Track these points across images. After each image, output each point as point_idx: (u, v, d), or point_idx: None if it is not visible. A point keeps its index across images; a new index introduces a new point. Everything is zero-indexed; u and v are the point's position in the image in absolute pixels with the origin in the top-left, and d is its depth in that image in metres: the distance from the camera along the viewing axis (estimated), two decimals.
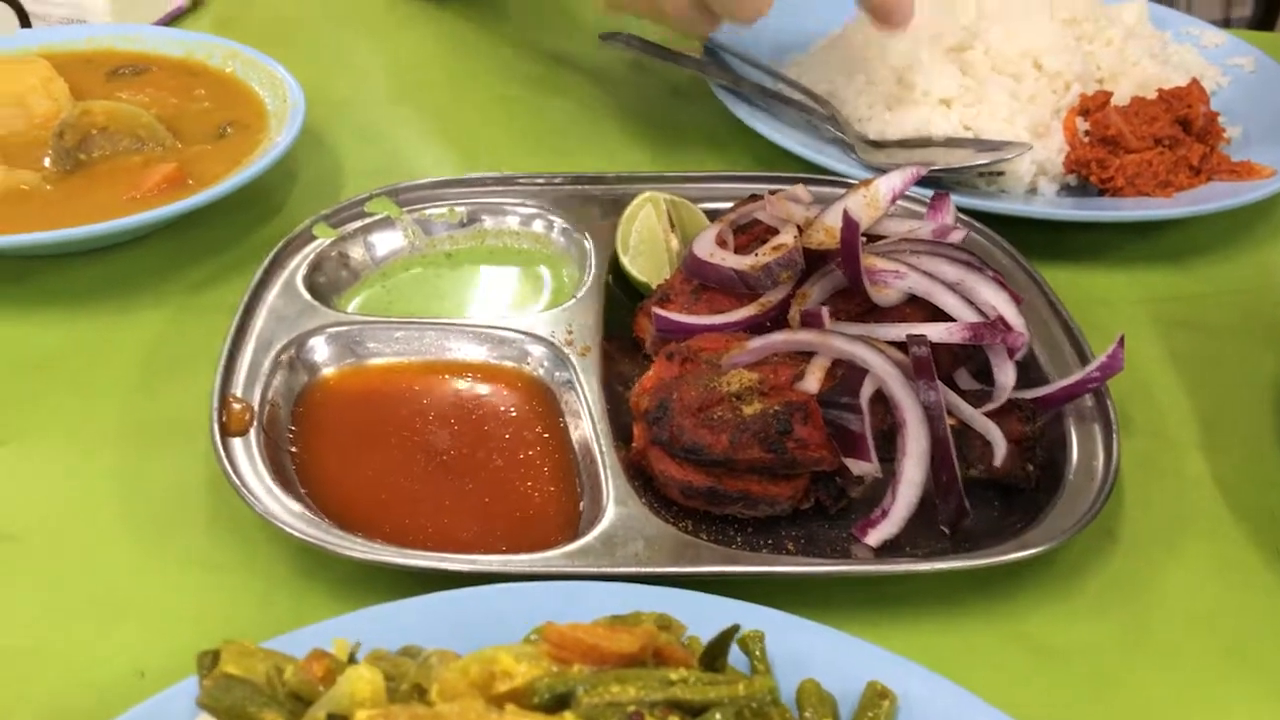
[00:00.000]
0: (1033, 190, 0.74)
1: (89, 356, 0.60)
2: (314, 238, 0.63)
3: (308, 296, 0.60)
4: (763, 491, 0.51)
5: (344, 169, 0.75)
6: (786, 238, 0.57)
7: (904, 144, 0.74)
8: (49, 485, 0.54)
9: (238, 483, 0.49)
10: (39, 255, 0.64)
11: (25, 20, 0.81)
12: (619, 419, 0.55)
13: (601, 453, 0.53)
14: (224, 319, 0.61)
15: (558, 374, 0.58)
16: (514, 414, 0.57)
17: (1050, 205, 0.72)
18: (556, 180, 0.68)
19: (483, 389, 0.58)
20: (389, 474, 0.53)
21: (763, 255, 0.57)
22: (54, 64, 0.73)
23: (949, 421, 0.51)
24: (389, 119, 0.83)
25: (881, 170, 0.64)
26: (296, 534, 0.48)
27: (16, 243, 0.60)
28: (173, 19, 0.90)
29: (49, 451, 0.56)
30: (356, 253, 0.64)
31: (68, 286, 0.64)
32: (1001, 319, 0.55)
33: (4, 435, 0.55)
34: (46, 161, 0.66)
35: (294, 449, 0.54)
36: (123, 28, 0.79)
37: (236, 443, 0.52)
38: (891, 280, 0.55)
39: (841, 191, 0.62)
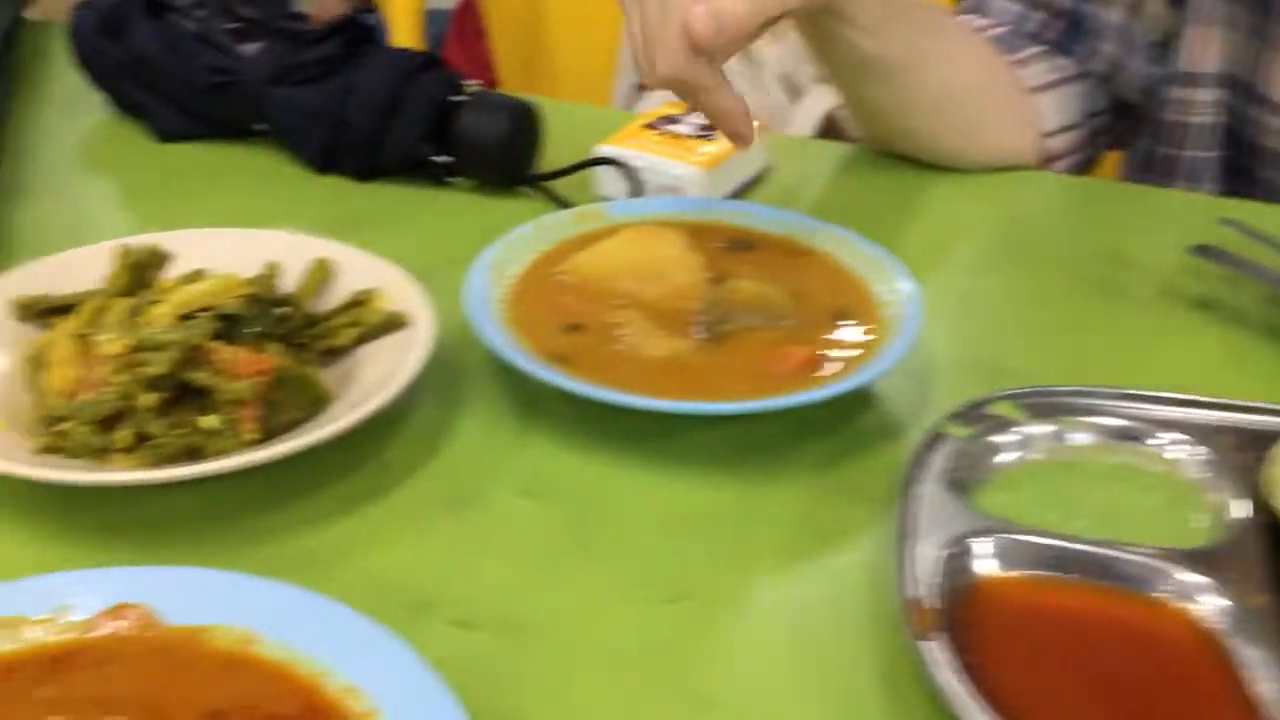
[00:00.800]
0: None
1: (736, 520, 0.65)
2: (945, 434, 0.66)
3: (951, 494, 0.63)
4: None
5: (948, 358, 0.77)
6: None
7: None
8: (729, 648, 0.58)
9: (948, 690, 0.51)
10: (690, 416, 0.70)
11: (638, 189, 0.90)
12: None
13: None
14: (853, 504, 0.65)
15: (1225, 622, 0.57)
16: (1184, 664, 0.56)
17: None
18: (1202, 404, 0.67)
19: (1141, 624, 0.57)
20: (1059, 700, 0.54)
21: None
22: None
23: None
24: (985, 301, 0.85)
25: None
26: None
27: (677, 408, 0.67)
28: (743, 190, 0.97)
29: (723, 612, 0.60)
30: (987, 452, 0.66)
31: (708, 446, 0.70)
32: None
33: (677, 592, 0.60)
34: (694, 331, 0.72)
35: (968, 659, 0.55)
36: (731, 204, 0.86)
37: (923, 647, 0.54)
38: None
39: None
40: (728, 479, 0.67)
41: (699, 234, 0.81)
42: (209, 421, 0.65)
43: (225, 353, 0.66)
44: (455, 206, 0.98)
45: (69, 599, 0.52)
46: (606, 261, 0.78)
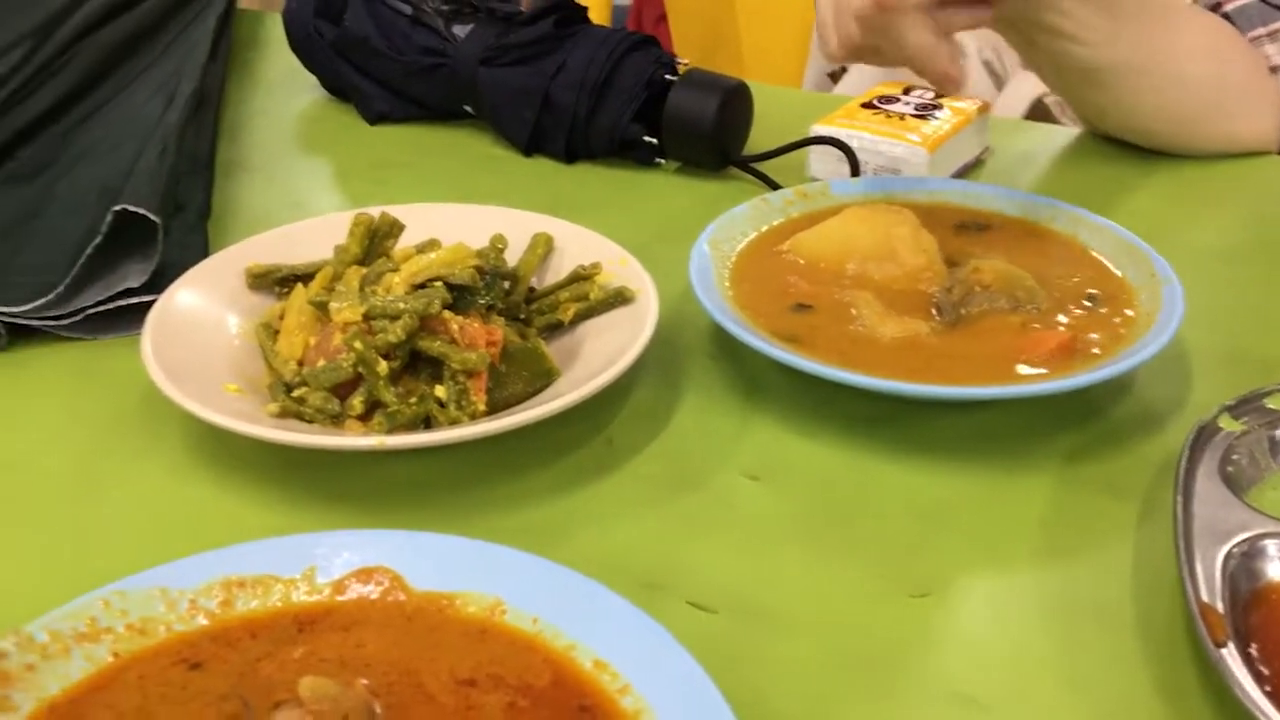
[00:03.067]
0: None
1: (982, 511, 0.62)
2: (1218, 427, 0.61)
3: (1229, 491, 0.58)
4: None
5: (1204, 347, 0.72)
6: None
7: None
8: (987, 646, 0.55)
9: (1248, 703, 0.47)
10: (931, 401, 0.66)
11: (855, 169, 0.87)
12: None
13: None
14: (1110, 498, 0.60)
15: None
16: None
17: None
18: None
19: None
20: None
21: None
22: None
23: None
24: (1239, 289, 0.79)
25: None
26: None
27: (923, 392, 0.63)
28: (963, 172, 0.93)
29: (976, 608, 0.57)
30: (1264, 447, 0.61)
31: (949, 434, 0.66)
32: None
33: (929, 586, 0.57)
34: (932, 313, 0.69)
35: (1258, 669, 0.50)
36: (960, 184, 0.82)
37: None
38: None
39: None
40: (971, 468, 0.63)
41: (928, 214, 0.77)
42: (440, 391, 0.64)
43: (456, 323, 0.65)
44: (662, 188, 0.96)
45: (317, 560, 0.51)
46: (834, 241, 0.74)
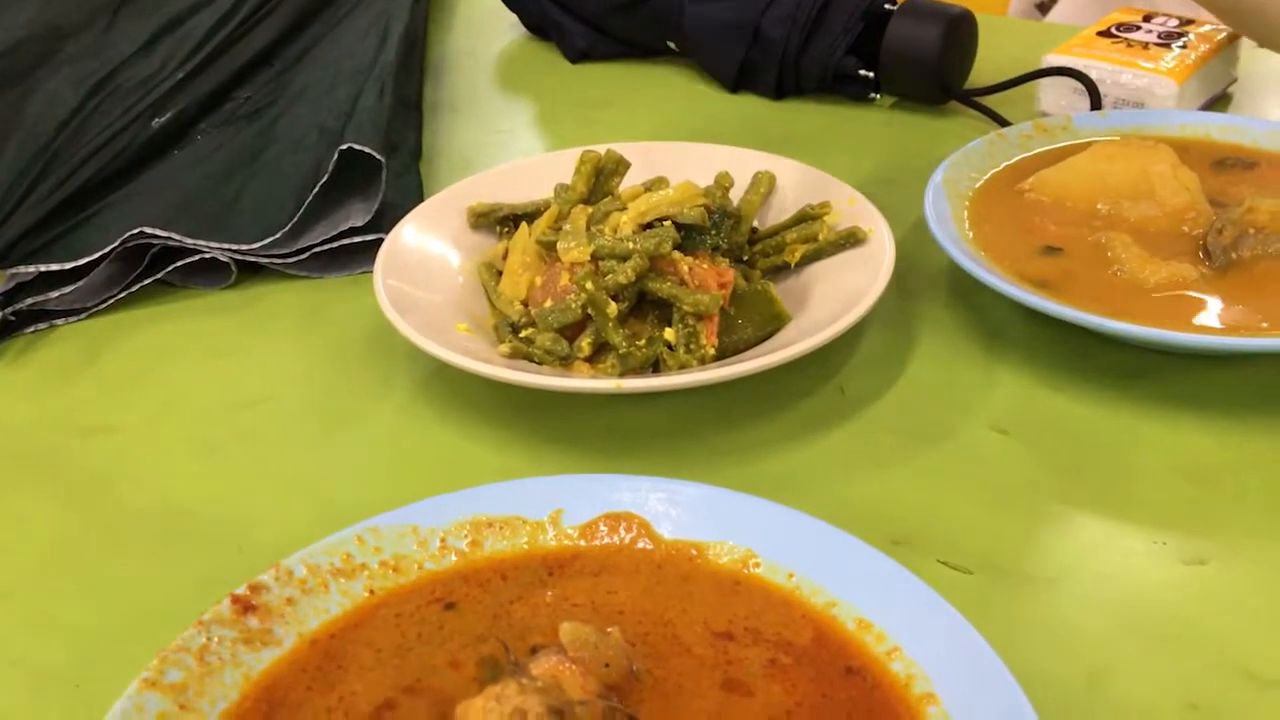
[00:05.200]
0: None
1: (1261, 473, 0.56)
2: None
3: None
4: None
5: None
6: None
7: None
8: (1273, 617, 0.50)
9: None
10: (1199, 353, 0.61)
11: (1096, 101, 0.81)
12: None
13: None
14: None
15: None
16: None
17: None
18: None
19: None
20: None
21: None
22: None
23: None
24: None
25: None
26: None
27: (1192, 342, 0.58)
28: (1211, 105, 0.86)
29: (1263, 579, 0.52)
30: None
31: (1218, 388, 0.60)
32: None
33: (1201, 553, 0.53)
34: (1200, 257, 0.63)
35: None
36: (1220, 116, 0.76)
37: None
38: None
39: None
40: (1250, 428, 0.58)
41: (1184, 150, 0.71)
42: (669, 334, 0.63)
43: (686, 264, 0.63)
44: (877, 125, 0.91)
45: (564, 503, 0.51)
46: (1083, 179, 0.69)
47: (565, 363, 0.63)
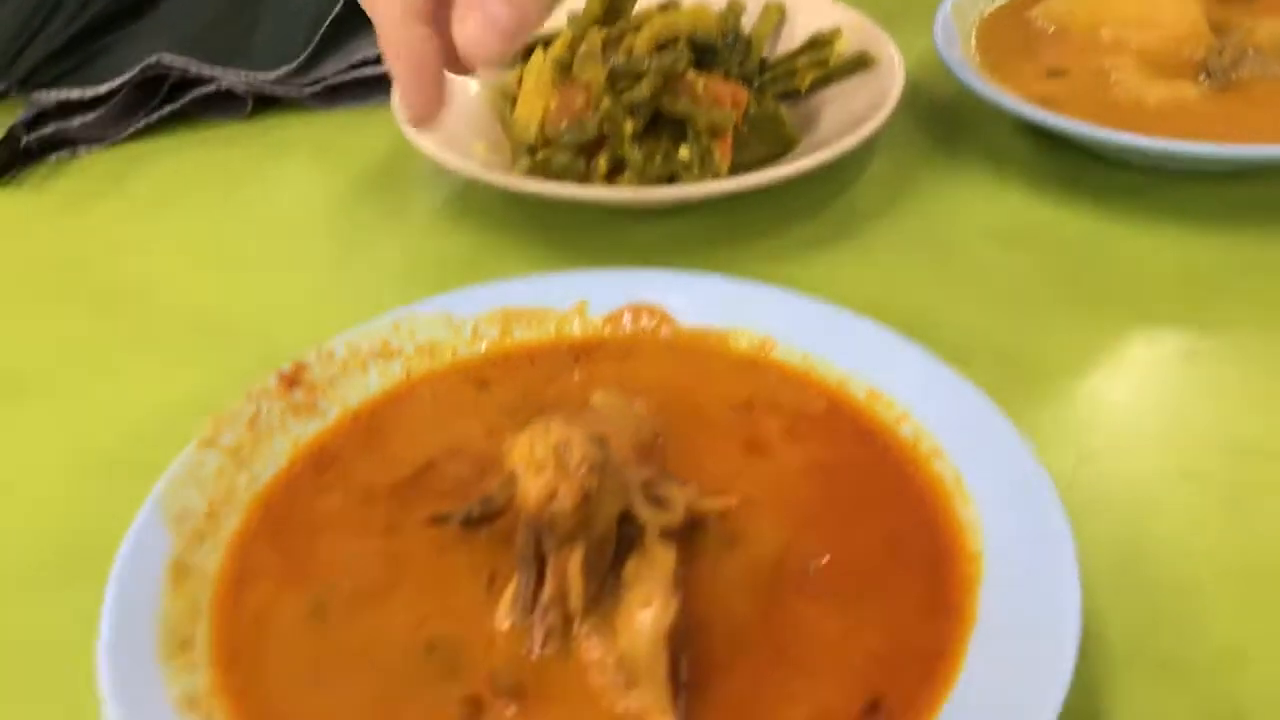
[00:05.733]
0: None
1: (1256, 278, 0.59)
2: None
3: None
4: None
5: None
6: None
7: None
8: (1266, 398, 0.52)
9: None
10: (1192, 169, 0.63)
11: None
12: None
13: None
14: None
15: None
16: None
17: None
18: None
19: None
20: None
21: None
22: None
23: None
24: None
25: None
26: None
27: (1190, 151, 0.60)
28: None
29: (1248, 366, 0.54)
30: None
31: (1212, 202, 0.63)
32: None
33: (1195, 349, 0.55)
34: (1200, 78, 0.65)
35: None
36: None
37: None
38: None
39: None
40: (1238, 236, 0.60)
41: None
42: (684, 152, 0.64)
43: (701, 82, 0.65)
44: None
45: (588, 295, 0.53)
46: (1088, 6, 0.70)
47: (582, 181, 0.65)
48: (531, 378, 0.50)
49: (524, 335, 0.52)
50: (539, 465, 0.37)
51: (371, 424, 0.48)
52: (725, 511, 0.43)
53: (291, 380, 0.48)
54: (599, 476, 0.38)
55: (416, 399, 0.49)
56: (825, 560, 0.41)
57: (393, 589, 0.42)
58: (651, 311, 0.52)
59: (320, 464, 0.46)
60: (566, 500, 0.37)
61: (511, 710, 0.37)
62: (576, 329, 0.52)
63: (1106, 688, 0.41)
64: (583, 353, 0.51)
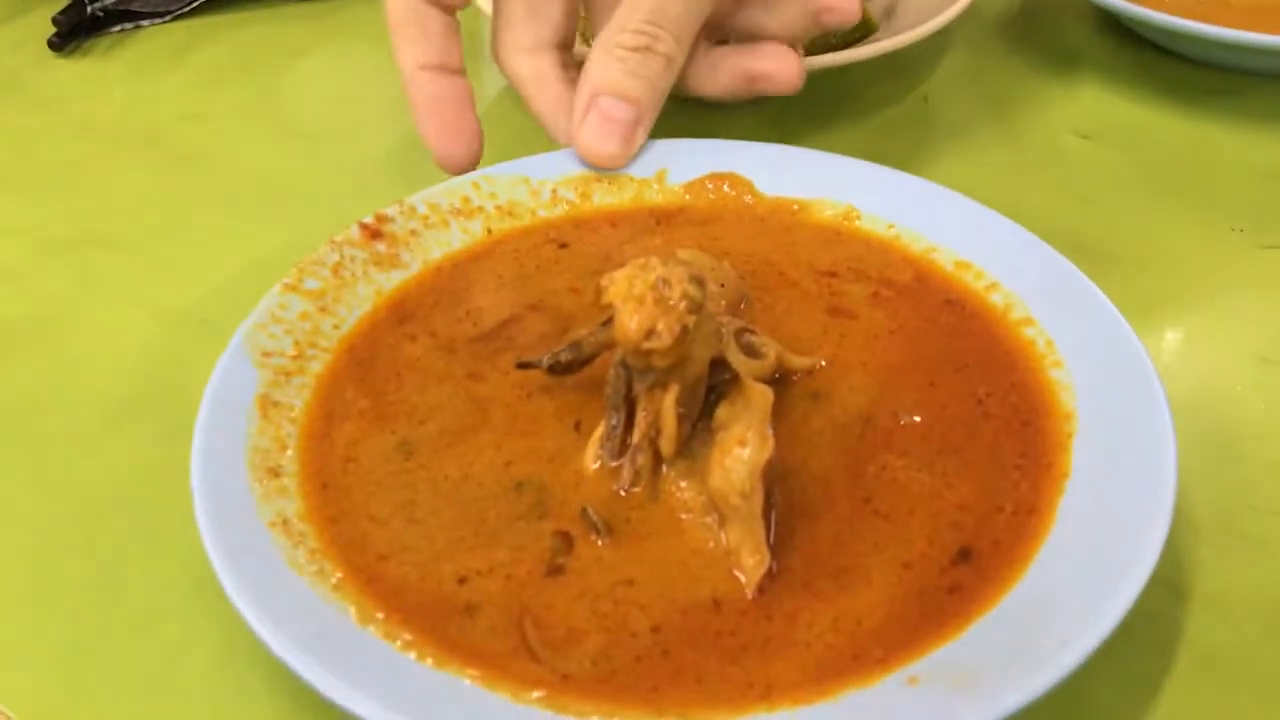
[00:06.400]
0: None
1: None
2: None
3: None
4: None
5: None
6: None
7: None
8: None
9: None
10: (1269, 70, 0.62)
11: None
12: None
13: None
14: None
15: None
16: None
17: None
18: None
19: None
20: None
21: None
22: None
23: None
24: None
25: None
26: None
27: (1265, 44, 0.59)
28: None
29: None
30: None
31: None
32: None
33: (1276, 240, 0.55)
34: None
35: None
36: None
37: None
38: None
39: None
40: None
41: None
42: None
43: None
44: None
45: (669, 163, 0.52)
46: None
47: None
48: (612, 239, 0.50)
49: (603, 200, 0.51)
50: (638, 300, 0.37)
51: (454, 276, 0.48)
52: (813, 370, 0.43)
53: (374, 231, 0.48)
54: (697, 315, 0.37)
55: (499, 256, 0.49)
56: (916, 419, 0.41)
57: (478, 430, 0.41)
58: (733, 180, 0.52)
59: (402, 314, 0.46)
60: (665, 336, 0.37)
61: (602, 544, 0.37)
62: (657, 195, 0.52)
63: (1191, 560, 0.41)
64: (664, 217, 0.51)
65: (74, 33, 0.71)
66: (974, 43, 0.68)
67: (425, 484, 0.40)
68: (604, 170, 0.51)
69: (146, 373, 0.49)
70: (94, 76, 0.70)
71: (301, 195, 0.60)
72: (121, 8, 0.73)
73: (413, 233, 0.49)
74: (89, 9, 0.72)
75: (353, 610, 0.35)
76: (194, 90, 0.69)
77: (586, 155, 0.51)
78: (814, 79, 0.60)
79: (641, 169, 0.52)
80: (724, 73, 0.54)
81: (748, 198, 0.51)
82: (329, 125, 0.66)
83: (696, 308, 0.37)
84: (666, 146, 0.53)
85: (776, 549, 0.37)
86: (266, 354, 0.43)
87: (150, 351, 0.51)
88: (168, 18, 0.74)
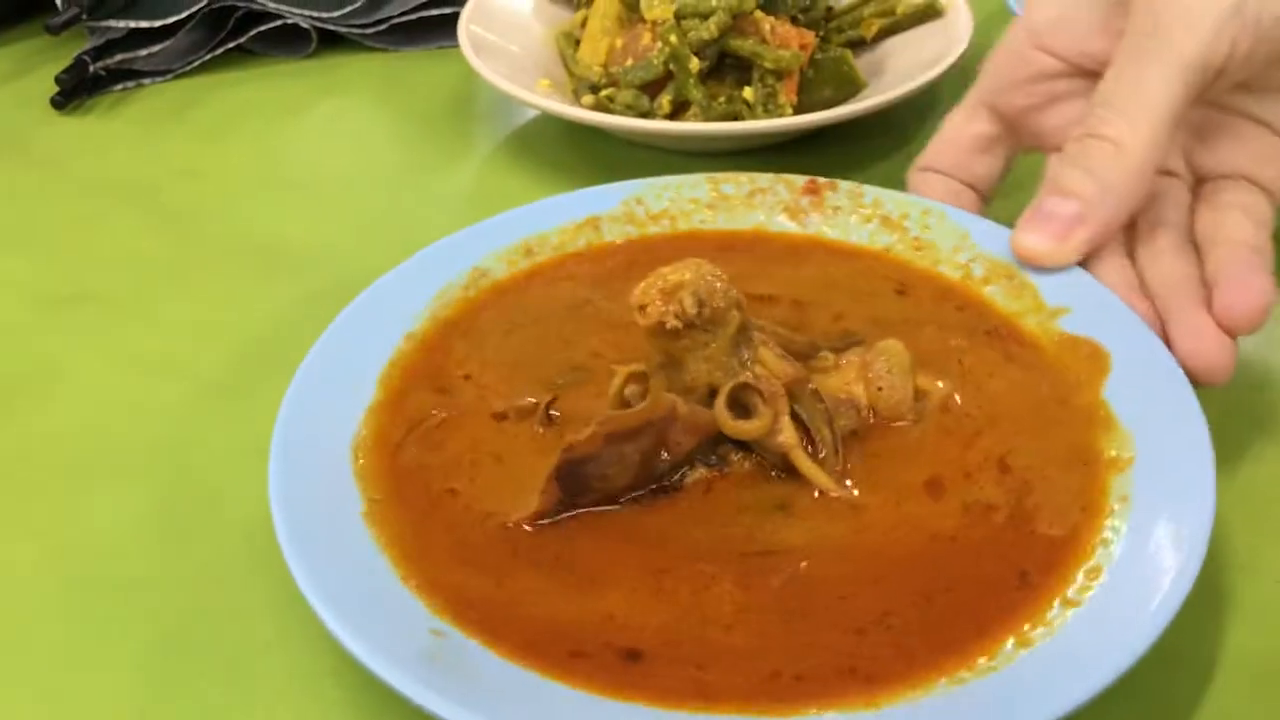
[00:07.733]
0: None
1: None
2: None
3: None
4: None
5: None
6: None
7: None
8: None
9: None
10: None
11: None
12: None
13: None
14: None
15: None
16: None
17: None
18: None
19: None
20: None
21: None
22: None
23: None
24: None
25: None
26: None
27: None
28: None
29: None
30: None
31: None
32: None
33: None
34: None
35: None
36: None
37: None
38: None
39: None
40: None
41: None
42: (749, 93, 0.64)
43: (768, 23, 0.65)
44: None
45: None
46: None
47: (646, 119, 0.65)
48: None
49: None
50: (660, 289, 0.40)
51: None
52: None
53: None
54: (680, 321, 0.40)
55: None
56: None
57: None
58: None
59: None
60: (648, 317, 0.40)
61: None
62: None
63: None
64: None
65: (76, 91, 0.73)
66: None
67: None
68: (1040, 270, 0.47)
69: (142, 428, 0.50)
70: (95, 134, 0.71)
71: (299, 251, 0.60)
72: (124, 67, 0.74)
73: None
74: (91, 68, 0.73)
75: None
76: (194, 147, 0.70)
77: (1015, 251, 0.48)
78: (803, 138, 0.61)
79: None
80: None
81: None
82: (327, 181, 0.66)
83: (685, 317, 0.40)
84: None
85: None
86: None
87: (145, 406, 0.51)
88: (169, 76, 0.76)
